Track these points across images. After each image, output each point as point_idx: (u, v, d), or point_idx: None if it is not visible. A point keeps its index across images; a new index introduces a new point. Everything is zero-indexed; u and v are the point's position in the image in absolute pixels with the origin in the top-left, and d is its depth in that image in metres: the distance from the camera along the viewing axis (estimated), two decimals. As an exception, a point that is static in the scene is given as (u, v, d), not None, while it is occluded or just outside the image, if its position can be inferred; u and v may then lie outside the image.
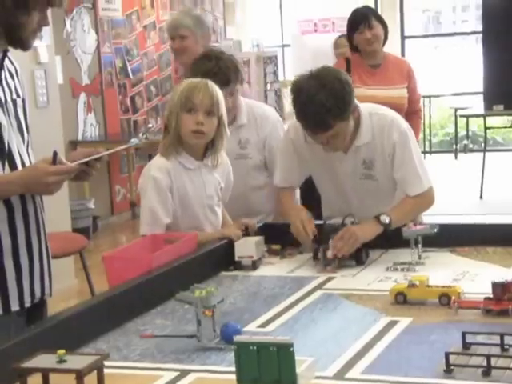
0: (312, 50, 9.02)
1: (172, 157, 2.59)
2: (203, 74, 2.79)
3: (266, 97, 9.04)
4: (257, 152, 3.13)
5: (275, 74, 9.21)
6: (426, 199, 2.65)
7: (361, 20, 4.19)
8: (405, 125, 2.68)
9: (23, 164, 2.11)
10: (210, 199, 2.65)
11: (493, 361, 1.58)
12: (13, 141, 2.10)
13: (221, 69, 2.95)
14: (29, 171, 2.05)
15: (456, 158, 10.30)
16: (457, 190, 7.79)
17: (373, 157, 2.66)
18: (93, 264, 4.86)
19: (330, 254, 2.44)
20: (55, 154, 2.03)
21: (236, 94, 3.06)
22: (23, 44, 2.11)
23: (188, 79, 2.65)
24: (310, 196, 3.70)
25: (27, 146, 2.17)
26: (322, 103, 2.44)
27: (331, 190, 2.80)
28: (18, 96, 2.16)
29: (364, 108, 2.66)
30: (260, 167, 3.16)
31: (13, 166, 2.08)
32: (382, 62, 4.26)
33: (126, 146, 2.50)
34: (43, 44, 5.31)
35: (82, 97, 7.51)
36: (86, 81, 7.58)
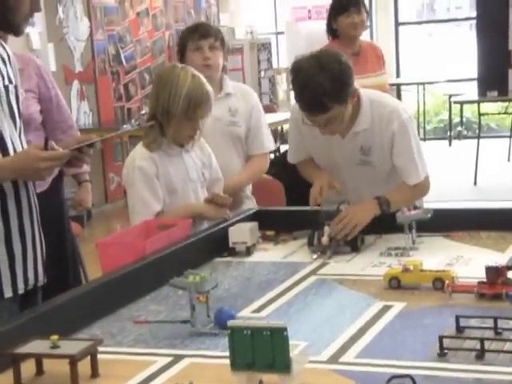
0: (306, 36, 9.00)
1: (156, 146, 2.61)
2: (191, 27, 3.14)
3: (259, 84, 9.02)
4: (244, 121, 3.15)
5: (269, 61, 9.18)
6: (421, 187, 2.69)
7: (351, 3, 4.16)
8: (406, 114, 2.67)
9: (15, 151, 2.10)
10: (194, 183, 2.68)
11: (486, 344, 1.58)
12: (5, 127, 2.08)
13: (208, 25, 3.27)
14: (20, 157, 2.04)
15: (450, 144, 10.29)
16: (451, 177, 7.78)
17: (371, 143, 2.65)
18: (87, 252, 4.84)
19: (325, 240, 2.45)
20: (47, 139, 2.02)
21: (220, 55, 3.11)
22: (15, 29, 2.09)
23: (185, 72, 2.60)
24: (286, 176, 3.67)
25: (19, 132, 2.16)
26: (320, 84, 2.42)
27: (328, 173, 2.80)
28: (10, 82, 2.14)
29: (365, 94, 2.64)
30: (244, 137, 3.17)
31: (5, 153, 2.07)
32: (360, 49, 4.24)
33: (118, 133, 2.49)
34: (36, 30, 5.29)
35: (75, 84, 7.47)
36: (79, 68, 7.55)
